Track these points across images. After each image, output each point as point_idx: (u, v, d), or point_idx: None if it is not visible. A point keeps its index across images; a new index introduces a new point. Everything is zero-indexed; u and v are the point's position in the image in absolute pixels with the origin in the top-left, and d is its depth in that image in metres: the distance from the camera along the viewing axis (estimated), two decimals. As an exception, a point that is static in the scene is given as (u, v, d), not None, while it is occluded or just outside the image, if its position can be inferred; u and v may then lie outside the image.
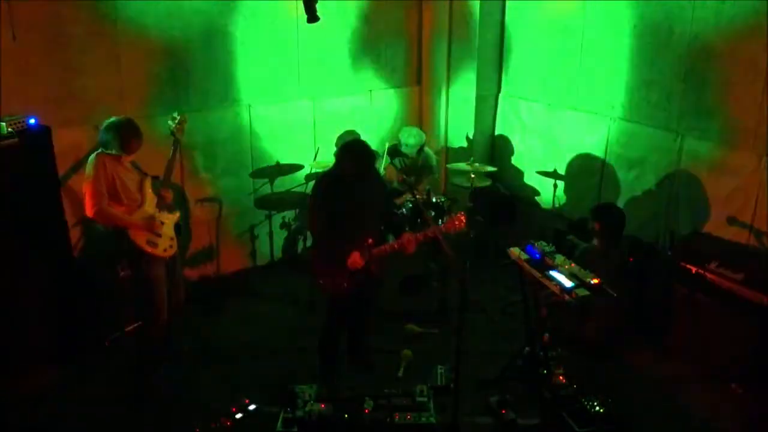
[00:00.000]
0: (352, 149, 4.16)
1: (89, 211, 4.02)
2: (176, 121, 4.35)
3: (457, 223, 4.12)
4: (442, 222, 4.46)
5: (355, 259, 4.07)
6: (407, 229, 5.33)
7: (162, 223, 4.26)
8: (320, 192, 4.18)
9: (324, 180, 4.21)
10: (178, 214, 4.45)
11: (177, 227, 4.46)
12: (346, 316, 4.41)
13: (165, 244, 4.23)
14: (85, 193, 4.04)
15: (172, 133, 4.35)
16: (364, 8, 6.17)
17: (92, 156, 4.09)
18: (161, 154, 4.50)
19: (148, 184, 4.28)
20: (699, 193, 4.93)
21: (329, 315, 4.38)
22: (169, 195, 4.38)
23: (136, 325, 4.69)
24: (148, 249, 4.12)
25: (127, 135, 4.09)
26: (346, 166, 4.07)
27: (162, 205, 4.30)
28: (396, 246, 4.16)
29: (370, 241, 4.13)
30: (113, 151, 4.07)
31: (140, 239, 4.10)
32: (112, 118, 4.16)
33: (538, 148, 6.30)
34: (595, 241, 4.79)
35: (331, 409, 3.98)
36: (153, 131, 4.67)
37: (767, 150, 4.47)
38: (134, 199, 4.15)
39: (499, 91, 6.61)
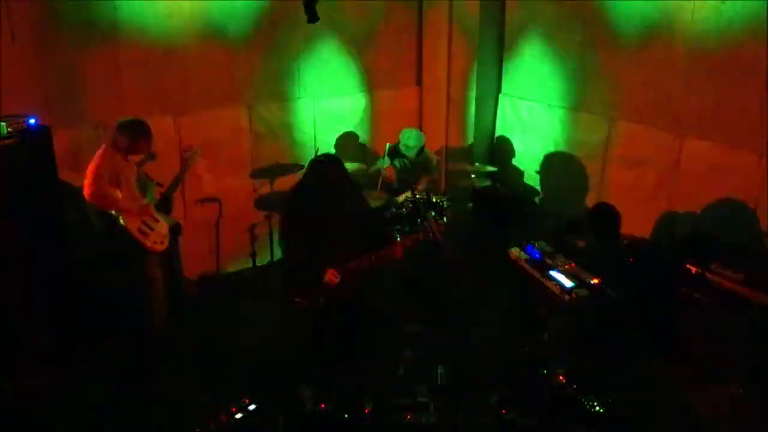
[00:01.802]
0: (316, 162, 4.06)
1: (87, 190, 4.06)
2: (189, 153, 4.66)
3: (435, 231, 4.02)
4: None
5: (331, 276, 4.01)
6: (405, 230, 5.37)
7: (157, 220, 4.29)
8: (292, 207, 4.09)
9: (295, 194, 4.11)
10: (176, 222, 4.50)
11: (174, 230, 4.49)
12: (330, 325, 4.35)
13: (156, 238, 4.27)
14: (87, 176, 4.09)
15: (185, 159, 4.60)
16: (365, 8, 6.16)
17: (101, 149, 4.17)
18: (160, 155, 4.53)
19: (150, 187, 4.32)
20: (699, 193, 4.93)
21: (312, 327, 4.35)
22: (170, 200, 4.45)
23: (135, 325, 4.69)
24: (138, 236, 4.15)
25: (136, 134, 4.18)
26: (313, 180, 3.99)
27: (161, 207, 4.34)
28: (379, 256, 4.11)
29: (345, 255, 4.04)
30: (123, 149, 4.15)
31: (132, 225, 4.14)
32: (127, 119, 4.27)
33: (538, 148, 6.30)
34: (593, 241, 4.78)
35: (331, 409, 3.98)
36: (155, 132, 4.66)
37: (767, 150, 4.47)
38: (134, 194, 4.18)
39: (499, 91, 6.61)
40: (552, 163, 6.09)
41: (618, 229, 4.72)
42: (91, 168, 4.10)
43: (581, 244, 4.93)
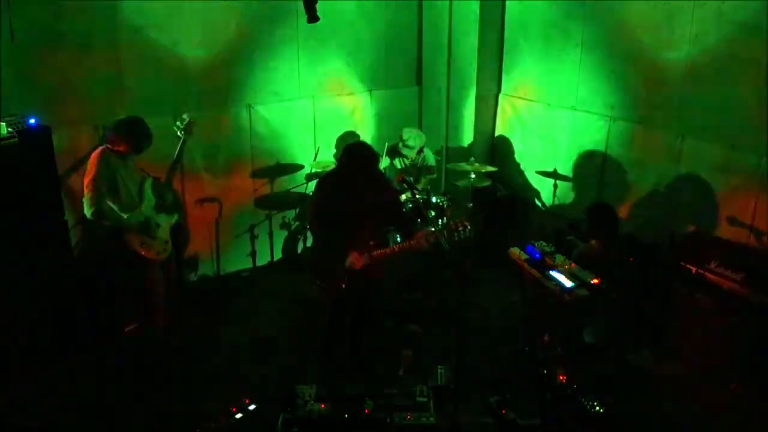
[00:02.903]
0: (356, 151, 4.11)
1: (87, 210, 4.01)
2: (184, 123, 4.42)
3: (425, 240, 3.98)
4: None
5: (354, 259, 4.07)
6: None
7: (158, 226, 4.25)
8: (323, 192, 4.16)
9: (327, 180, 4.19)
10: (175, 218, 4.44)
11: (174, 230, 4.45)
12: (346, 316, 4.41)
13: (158, 247, 4.23)
14: (84, 191, 4.03)
15: (179, 135, 4.40)
16: (364, 8, 6.17)
17: (96, 152, 4.07)
18: (160, 155, 4.50)
19: (148, 185, 4.27)
20: (699, 193, 4.93)
21: (330, 316, 4.38)
22: (169, 197, 4.39)
23: (134, 325, 4.68)
24: (142, 251, 4.12)
25: (139, 134, 4.10)
26: (350, 168, 4.05)
27: (161, 207, 4.30)
28: (404, 247, 4.13)
29: (372, 243, 4.12)
30: (121, 149, 4.07)
31: (134, 241, 4.10)
32: (123, 117, 4.18)
33: (538, 148, 6.30)
34: (593, 242, 4.79)
35: (331, 409, 3.98)
36: (155, 132, 4.65)
37: (767, 150, 4.47)
38: (133, 199, 4.14)
39: (499, 91, 6.61)
40: (552, 163, 6.08)
41: (616, 228, 4.72)
42: (87, 181, 4.00)
43: (581, 244, 4.93)
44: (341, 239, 4.10)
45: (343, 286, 4.13)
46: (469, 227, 4.03)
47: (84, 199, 4.04)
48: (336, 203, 4.09)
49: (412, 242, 4.07)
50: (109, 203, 4.05)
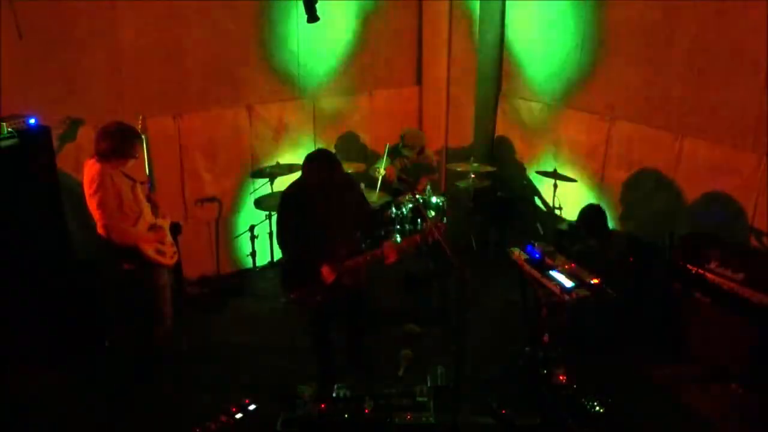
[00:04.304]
0: (311, 158, 4.04)
1: (102, 230, 3.92)
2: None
3: (434, 232, 3.94)
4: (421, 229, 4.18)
5: (325, 273, 3.99)
6: (397, 230, 5.36)
7: (162, 229, 4.25)
8: (286, 203, 4.08)
9: (290, 191, 4.10)
10: (168, 219, 4.43)
11: (173, 230, 4.45)
12: (330, 324, 4.36)
13: (170, 251, 4.24)
14: (95, 211, 3.92)
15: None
16: (364, 8, 6.17)
17: (93, 169, 3.92)
18: (161, 155, 4.50)
19: (139, 190, 4.19)
20: (699, 193, 4.93)
21: (312, 325, 4.35)
22: (158, 200, 4.37)
23: (135, 326, 4.68)
24: (158, 258, 4.10)
25: (132, 141, 4.02)
26: (309, 176, 3.97)
27: (156, 210, 4.28)
28: (376, 255, 4.05)
29: (344, 252, 4.04)
30: (114, 158, 3.96)
31: (150, 250, 4.07)
32: (111, 125, 4.04)
33: (538, 148, 6.30)
34: (593, 241, 4.79)
35: (331, 409, 3.98)
36: (155, 132, 4.65)
37: (767, 150, 4.47)
38: (134, 208, 4.08)
39: (499, 91, 6.61)
40: (552, 163, 6.09)
41: (606, 227, 4.73)
42: (97, 203, 3.86)
43: (581, 243, 4.93)
44: (311, 251, 4.01)
45: (319, 299, 4.07)
46: (438, 236, 3.94)
47: (97, 221, 3.93)
48: (301, 214, 4.00)
49: (377, 252, 4.03)
50: (121, 221, 3.97)
